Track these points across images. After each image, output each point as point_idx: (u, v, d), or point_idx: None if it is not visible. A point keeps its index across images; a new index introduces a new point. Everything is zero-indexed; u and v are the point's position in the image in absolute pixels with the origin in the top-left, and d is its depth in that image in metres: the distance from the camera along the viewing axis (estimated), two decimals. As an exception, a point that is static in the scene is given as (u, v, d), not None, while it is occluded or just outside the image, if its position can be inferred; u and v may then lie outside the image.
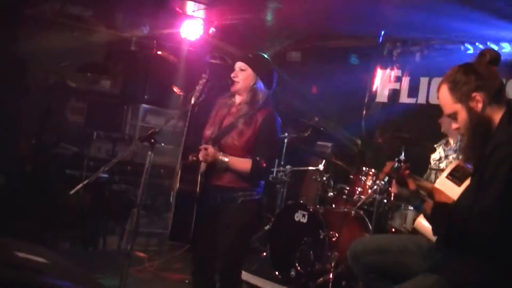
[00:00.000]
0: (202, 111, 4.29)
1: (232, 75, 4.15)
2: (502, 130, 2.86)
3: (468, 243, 2.77)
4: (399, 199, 5.42)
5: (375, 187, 5.81)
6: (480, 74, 2.91)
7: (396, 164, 3.07)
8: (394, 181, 3.11)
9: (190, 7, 7.97)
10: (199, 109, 4.18)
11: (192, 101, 4.08)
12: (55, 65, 7.50)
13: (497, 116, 2.90)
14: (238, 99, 4.22)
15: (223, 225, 4.07)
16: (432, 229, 2.98)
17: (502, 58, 3.05)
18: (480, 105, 2.89)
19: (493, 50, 3.08)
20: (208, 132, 4.22)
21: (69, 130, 7.79)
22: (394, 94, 7.64)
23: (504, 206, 2.68)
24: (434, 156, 5.96)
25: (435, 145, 6.00)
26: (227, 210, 4.07)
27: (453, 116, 2.99)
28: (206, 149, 3.97)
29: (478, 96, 2.89)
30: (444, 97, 3.00)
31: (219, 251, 4.05)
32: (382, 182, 5.46)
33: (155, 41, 8.10)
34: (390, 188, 3.16)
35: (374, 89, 7.89)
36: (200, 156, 3.98)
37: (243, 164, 4.03)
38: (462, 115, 2.94)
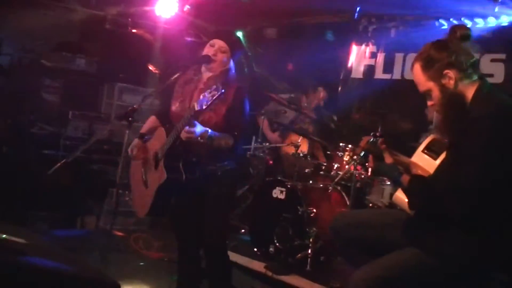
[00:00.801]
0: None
1: (212, 53, 4.11)
2: (476, 105, 2.87)
3: (444, 217, 2.81)
4: (377, 173, 5.46)
5: (352, 162, 5.84)
6: (452, 51, 2.93)
7: (372, 138, 3.10)
8: (371, 155, 3.14)
9: (164, -17, 7.90)
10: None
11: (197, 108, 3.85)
12: (31, 45, 7.41)
13: (470, 92, 2.92)
14: (206, 75, 4.19)
15: (207, 197, 4.10)
16: (408, 203, 3.01)
17: (476, 33, 3.07)
18: (452, 82, 2.91)
19: (463, 26, 3.08)
20: (176, 108, 4.18)
21: (44, 110, 7.74)
22: (370, 70, 7.66)
23: (481, 182, 2.72)
24: (423, 140, 5.97)
25: (425, 133, 6.02)
26: (208, 182, 4.08)
27: (427, 94, 3.02)
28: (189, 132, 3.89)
29: (450, 73, 2.91)
30: (417, 75, 3.03)
31: (205, 223, 4.08)
32: (360, 157, 5.51)
33: (129, 19, 8.04)
34: (367, 164, 3.17)
35: (349, 65, 7.90)
36: (183, 136, 3.86)
37: (227, 139, 4.03)
38: (436, 92, 2.97)
